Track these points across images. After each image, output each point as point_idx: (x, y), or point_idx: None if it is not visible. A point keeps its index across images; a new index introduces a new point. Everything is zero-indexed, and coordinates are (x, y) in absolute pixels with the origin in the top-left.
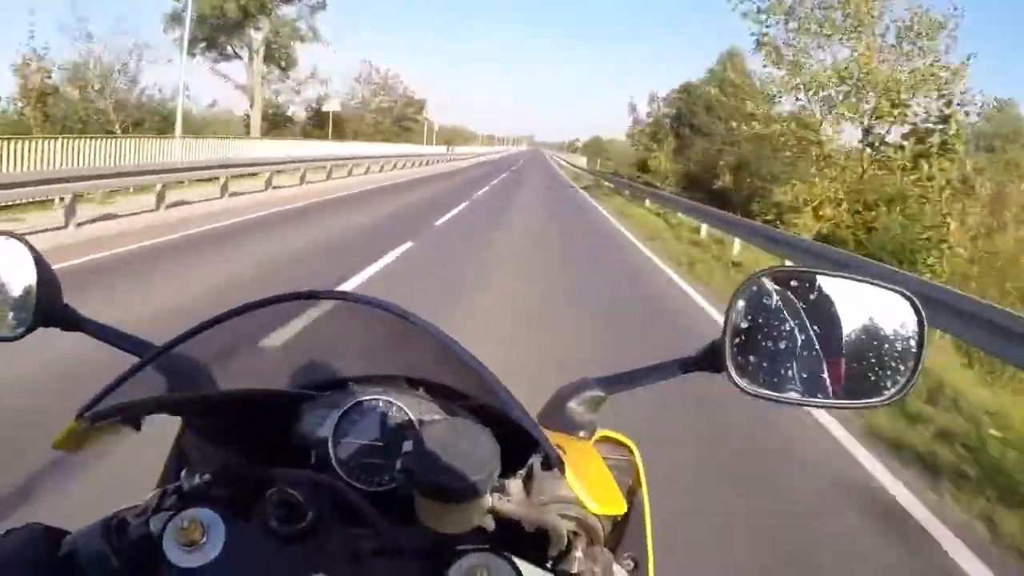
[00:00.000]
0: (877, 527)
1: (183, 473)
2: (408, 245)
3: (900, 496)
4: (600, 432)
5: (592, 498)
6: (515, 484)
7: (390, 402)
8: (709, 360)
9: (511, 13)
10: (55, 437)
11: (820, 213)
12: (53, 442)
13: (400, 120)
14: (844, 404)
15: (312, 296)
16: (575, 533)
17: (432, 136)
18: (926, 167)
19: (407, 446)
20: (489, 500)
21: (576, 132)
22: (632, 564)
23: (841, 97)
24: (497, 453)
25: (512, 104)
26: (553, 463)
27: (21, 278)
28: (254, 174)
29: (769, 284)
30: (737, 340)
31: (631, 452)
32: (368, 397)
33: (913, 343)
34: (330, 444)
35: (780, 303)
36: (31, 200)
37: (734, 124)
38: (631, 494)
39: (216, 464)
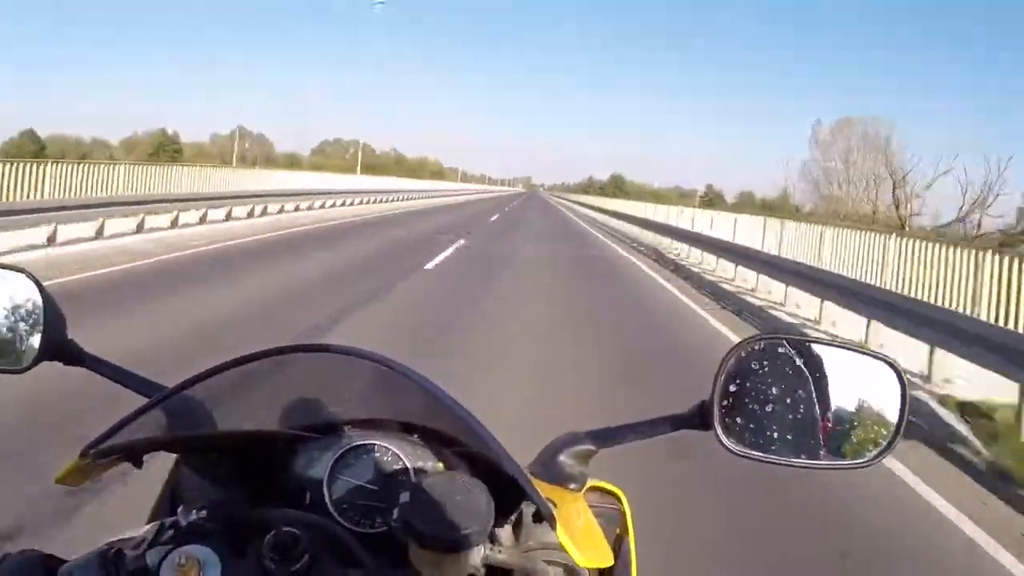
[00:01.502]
0: None
1: (180, 509)
2: None
3: None
4: (589, 483)
5: (581, 552)
6: (505, 531)
7: (385, 447)
8: (697, 419)
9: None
10: (58, 472)
11: None
12: (56, 477)
13: None
14: (828, 465)
15: (305, 350)
16: None
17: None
18: None
19: (404, 497)
20: (482, 550)
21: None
22: None
23: None
24: (491, 507)
25: (509, 143)
26: (545, 517)
27: (27, 312)
28: None
29: (758, 349)
30: (725, 401)
31: (619, 501)
32: (363, 441)
33: (895, 407)
34: (325, 486)
35: (768, 367)
36: None
37: None
38: (618, 542)
39: (212, 501)
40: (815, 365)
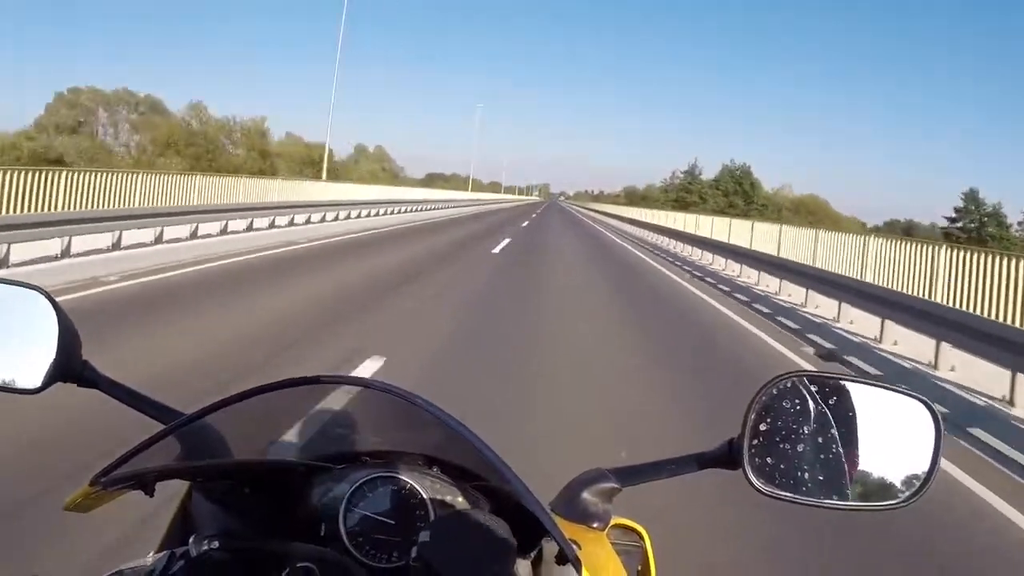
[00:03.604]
0: None
1: (192, 538)
2: None
3: None
4: (612, 520)
5: None
6: (524, 567)
7: (403, 480)
8: (726, 457)
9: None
10: (67, 500)
11: None
12: (65, 504)
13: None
14: (860, 506)
15: (326, 381)
16: None
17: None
18: None
19: (424, 535)
20: None
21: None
22: None
23: None
24: (513, 547)
25: (527, 152)
26: (570, 560)
27: (42, 331)
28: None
29: (789, 387)
30: (755, 440)
31: (642, 539)
32: (381, 473)
33: (929, 447)
34: (341, 517)
35: (799, 406)
36: None
37: None
38: None
39: (225, 531)
40: (847, 403)
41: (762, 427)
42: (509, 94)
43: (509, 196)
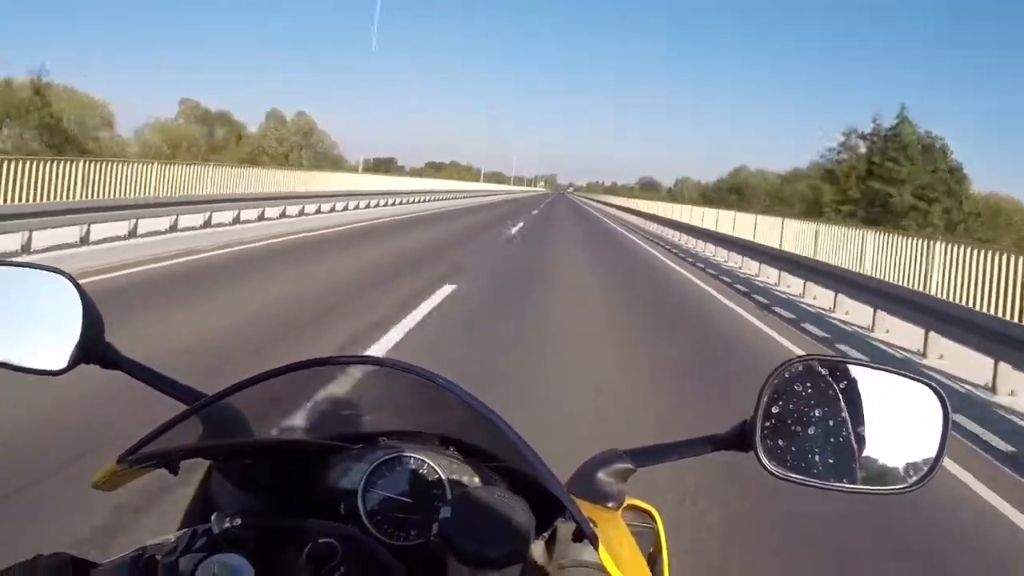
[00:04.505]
0: None
1: (214, 516)
2: None
3: None
4: (626, 501)
5: (623, 572)
6: (538, 546)
7: (421, 460)
8: (738, 440)
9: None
10: (94, 477)
11: None
12: (92, 481)
13: None
14: (869, 490)
15: (342, 362)
16: None
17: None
18: None
19: (445, 511)
20: (520, 566)
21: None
22: None
23: None
24: (532, 523)
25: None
26: (588, 537)
27: (66, 314)
28: None
29: (800, 371)
30: (767, 423)
31: (654, 519)
32: (399, 453)
33: (937, 432)
34: (360, 496)
35: (811, 389)
36: None
37: None
38: (652, 561)
39: (246, 509)
40: (857, 388)
41: (774, 410)
42: (514, 82)
43: (506, 187)
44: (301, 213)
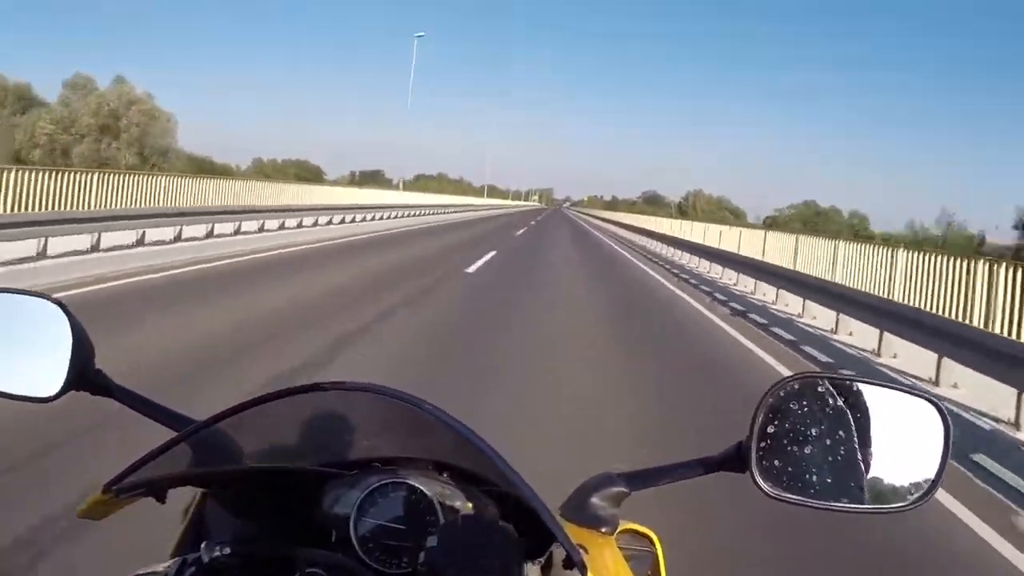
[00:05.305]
0: None
1: (204, 545)
2: None
3: None
4: (622, 524)
5: None
6: (534, 571)
7: (413, 486)
8: (733, 461)
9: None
10: (80, 506)
11: None
12: (78, 511)
13: None
14: (869, 509)
15: (331, 388)
16: None
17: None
18: None
19: (432, 541)
20: None
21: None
22: None
23: None
24: (521, 552)
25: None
26: (575, 565)
27: (56, 340)
28: None
29: (796, 389)
30: (763, 443)
31: (652, 543)
32: (391, 479)
33: (938, 448)
34: (352, 523)
35: (807, 408)
36: None
37: None
38: None
39: (236, 537)
40: (855, 404)
41: (770, 429)
42: (511, 93)
43: (498, 201)
44: (261, 230)
